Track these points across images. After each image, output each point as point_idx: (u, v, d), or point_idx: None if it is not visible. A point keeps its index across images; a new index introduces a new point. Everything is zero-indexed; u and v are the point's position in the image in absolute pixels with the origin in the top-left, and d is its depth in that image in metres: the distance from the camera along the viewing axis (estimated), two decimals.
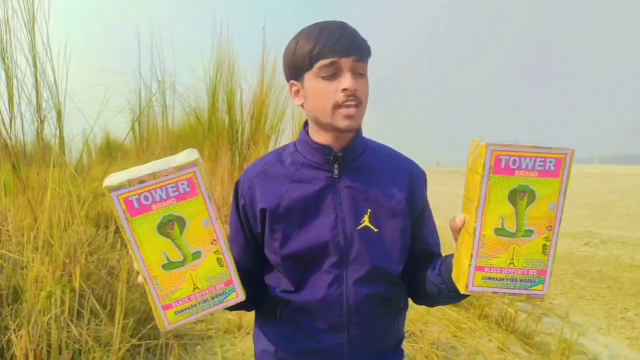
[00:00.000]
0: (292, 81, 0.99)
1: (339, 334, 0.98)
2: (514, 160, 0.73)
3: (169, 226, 0.76)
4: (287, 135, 5.12)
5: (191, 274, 0.80)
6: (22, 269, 2.29)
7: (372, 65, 0.99)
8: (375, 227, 0.97)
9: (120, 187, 0.73)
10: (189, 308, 0.81)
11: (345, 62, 0.90)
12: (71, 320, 2.12)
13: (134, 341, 2.26)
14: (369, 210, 0.98)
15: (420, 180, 1.06)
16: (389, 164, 1.04)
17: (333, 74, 0.91)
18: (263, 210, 0.99)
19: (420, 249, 1.04)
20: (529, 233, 0.75)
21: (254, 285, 1.04)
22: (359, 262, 0.97)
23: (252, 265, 1.06)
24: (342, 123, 0.92)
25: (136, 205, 0.74)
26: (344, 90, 0.90)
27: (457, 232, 0.82)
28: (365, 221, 0.97)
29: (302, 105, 1.00)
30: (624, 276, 5.15)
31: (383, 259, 0.98)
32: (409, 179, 1.03)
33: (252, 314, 1.13)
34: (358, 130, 1.02)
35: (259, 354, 1.09)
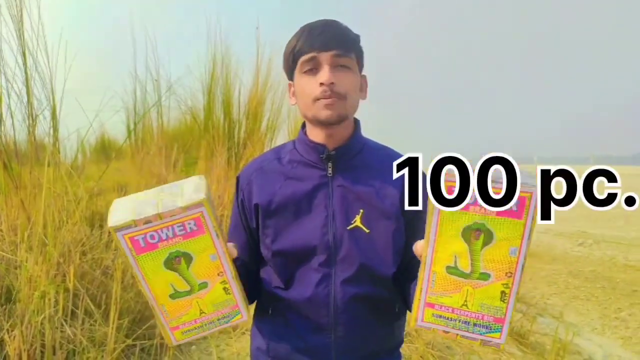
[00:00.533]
0: (289, 82, 1.02)
1: (326, 334, 0.97)
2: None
3: (176, 261, 0.77)
4: (283, 135, 5.12)
5: (198, 301, 0.81)
6: (16, 268, 2.28)
7: (370, 62, 1.00)
8: (367, 228, 0.96)
9: (125, 227, 0.72)
10: (196, 329, 0.83)
11: (324, 56, 0.92)
12: (65, 321, 2.10)
13: (129, 341, 2.25)
14: (361, 210, 0.97)
15: None
16: (387, 165, 1.02)
17: (313, 69, 0.93)
18: (256, 206, 1.00)
19: (410, 256, 1.02)
20: (484, 276, 0.68)
21: (252, 281, 1.04)
22: (347, 262, 0.96)
23: (251, 262, 1.06)
24: (322, 113, 0.93)
25: (142, 244, 0.74)
26: (321, 84, 0.91)
27: (420, 258, 0.77)
28: (357, 221, 0.96)
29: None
30: (617, 276, 5.18)
31: (373, 260, 0.96)
32: (404, 180, 1.01)
33: (251, 313, 1.13)
34: (356, 130, 1.02)
35: (254, 352, 1.09)
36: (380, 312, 1.00)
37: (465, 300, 0.70)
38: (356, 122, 1.04)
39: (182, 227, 0.74)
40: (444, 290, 0.71)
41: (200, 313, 0.81)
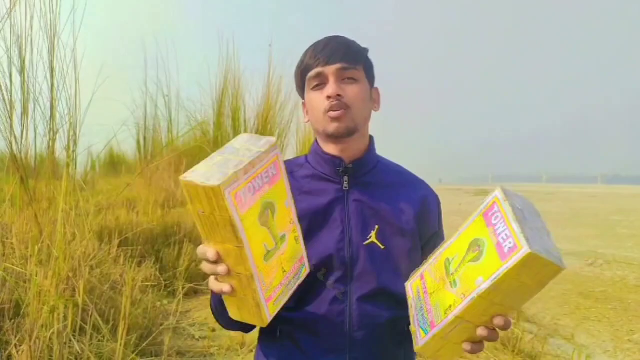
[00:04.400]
0: (302, 101, 1.03)
1: (340, 354, 0.93)
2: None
3: (266, 215, 0.71)
4: (291, 150, 5.14)
5: (280, 258, 0.76)
6: (25, 282, 2.28)
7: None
8: (382, 244, 0.95)
9: (231, 182, 0.62)
10: (281, 295, 0.77)
11: (330, 70, 0.93)
12: (73, 336, 2.10)
13: (136, 357, 2.24)
14: (377, 226, 0.96)
15: (433, 204, 1.04)
16: (402, 182, 1.03)
17: (321, 84, 0.94)
18: None
19: None
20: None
21: None
22: (364, 279, 0.93)
23: None
24: (330, 127, 0.93)
25: (244, 199, 0.65)
26: (328, 97, 0.92)
27: None
28: (372, 237, 0.95)
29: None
30: (629, 297, 5.08)
31: (389, 277, 0.94)
32: (421, 201, 1.01)
33: (255, 332, 1.10)
34: (371, 146, 1.02)
35: None
36: (395, 331, 0.97)
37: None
38: (371, 139, 1.03)
39: (267, 173, 0.70)
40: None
41: (283, 272, 0.76)
